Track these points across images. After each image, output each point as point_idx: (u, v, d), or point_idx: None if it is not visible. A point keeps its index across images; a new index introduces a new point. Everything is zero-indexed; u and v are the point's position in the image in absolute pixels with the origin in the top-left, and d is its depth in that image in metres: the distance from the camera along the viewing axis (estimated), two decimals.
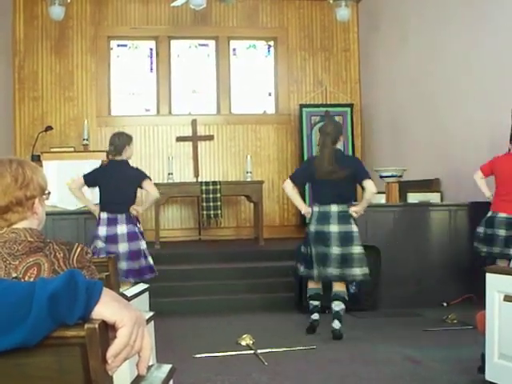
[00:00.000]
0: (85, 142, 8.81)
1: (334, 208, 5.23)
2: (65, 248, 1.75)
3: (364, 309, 6.42)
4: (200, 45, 10.41)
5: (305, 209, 5.38)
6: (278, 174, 10.16)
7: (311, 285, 5.45)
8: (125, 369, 1.20)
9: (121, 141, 5.44)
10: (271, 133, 10.28)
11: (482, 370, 3.86)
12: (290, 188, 5.38)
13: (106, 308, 1.11)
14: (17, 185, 1.77)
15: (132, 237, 5.36)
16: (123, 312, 1.12)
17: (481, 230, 5.94)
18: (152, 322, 3.49)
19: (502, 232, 5.77)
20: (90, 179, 5.48)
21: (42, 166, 6.78)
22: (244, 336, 5.12)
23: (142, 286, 3.84)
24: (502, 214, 5.77)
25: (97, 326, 1.09)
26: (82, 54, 9.81)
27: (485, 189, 5.90)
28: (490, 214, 5.87)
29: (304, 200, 5.86)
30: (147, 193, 5.63)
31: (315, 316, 5.42)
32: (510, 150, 5.75)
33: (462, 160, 7.23)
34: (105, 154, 7.93)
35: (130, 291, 3.51)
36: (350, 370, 4.31)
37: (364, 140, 10.46)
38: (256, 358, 4.66)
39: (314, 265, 5.23)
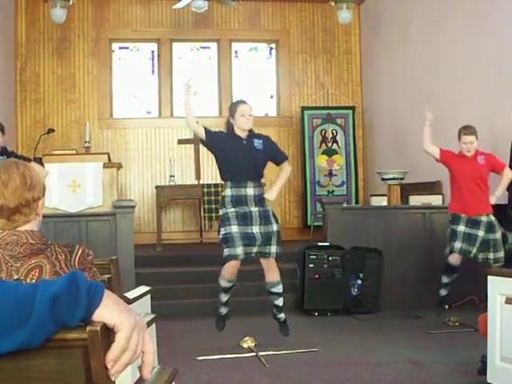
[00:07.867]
0: (86, 144, 8.82)
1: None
2: (66, 250, 1.76)
3: (366, 311, 6.42)
4: (202, 47, 10.43)
5: None
6: None
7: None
8: (127, 371, 1.19)
9: None
10: (273, 135, 10.16)
11: (481, 372, 3.86)
12: None
13: (107, 311, 1.11)
14: (25, 187, 1.78)
15: None
16: (122, 315, 1.12)
17: None
18: (153, 325, 3.48)
19: None
20: None
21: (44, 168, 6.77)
22: (246, 338, 5.11)
23: (143, 289, 3.83)
24: None
25: (99, 328, 1.09)
26: (83, 56, 9.83)
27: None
28: None
29: None
30: None
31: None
32: None
33: None
34: (106, 156, 7.94)
35: (132, 294, 3.50)
36: (352, 373, 4.31)
37: (366, 142, 10.46)
38: (258, 361, 4.65)
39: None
